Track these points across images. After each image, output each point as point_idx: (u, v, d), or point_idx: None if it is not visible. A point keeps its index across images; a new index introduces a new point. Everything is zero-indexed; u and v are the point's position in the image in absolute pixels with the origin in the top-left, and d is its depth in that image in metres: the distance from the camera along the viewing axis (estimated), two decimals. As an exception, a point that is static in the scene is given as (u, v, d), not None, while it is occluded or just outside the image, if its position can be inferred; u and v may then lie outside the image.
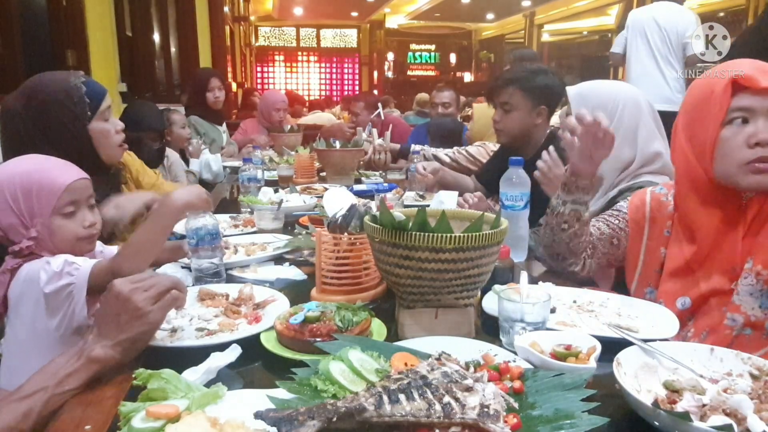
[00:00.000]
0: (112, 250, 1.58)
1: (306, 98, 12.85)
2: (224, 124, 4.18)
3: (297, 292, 1.36)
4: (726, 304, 1.26)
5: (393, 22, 17.54)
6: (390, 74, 18.06)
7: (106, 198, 1.82)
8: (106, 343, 0.96)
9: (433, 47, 19.32)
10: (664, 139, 1.72)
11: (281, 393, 0.83)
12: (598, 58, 15.07)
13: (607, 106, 1.70)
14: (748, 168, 1.20)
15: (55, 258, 1.29)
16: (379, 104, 4.41)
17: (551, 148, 1.75)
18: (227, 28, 8.28)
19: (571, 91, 1.83)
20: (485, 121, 3.34)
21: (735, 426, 0.75)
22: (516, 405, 0.82)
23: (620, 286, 1.51)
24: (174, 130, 3.54)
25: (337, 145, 3.08)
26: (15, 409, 0.88)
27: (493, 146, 2.81)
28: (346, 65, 17.72)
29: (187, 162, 3.52)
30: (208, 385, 0.88)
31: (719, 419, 0.77)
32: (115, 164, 1.86)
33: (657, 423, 0.79)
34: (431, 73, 19.06)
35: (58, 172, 1.38)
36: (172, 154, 3.24)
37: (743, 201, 1.25)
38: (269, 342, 1.06)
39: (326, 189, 2.52)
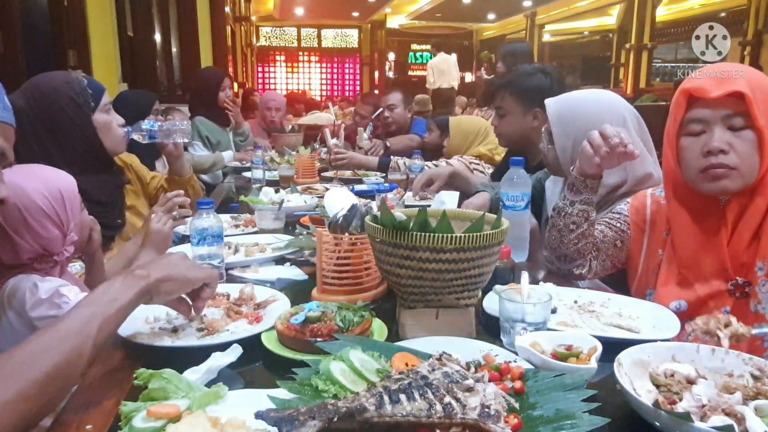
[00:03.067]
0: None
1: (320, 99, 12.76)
2: (231, 125, 4.11)
3: (298, 292, 1.37)
4: (724, 306, 1.26)
5: (394, 22, 17.53)
6: (391, 74, 18.05)
7: (111, 197, 1.82)
8: (153, 266, 1.02)
9: (434, 47, 19.31)
10: (653, 152, 1.62)
11: (282, 393, 0.84)
12: (599, 59, 15.07)
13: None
14: (704, 176, 1.24)
15: (47, 283, 1.24)
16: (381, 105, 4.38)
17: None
18: (228, 28, 8.28)
19: (550, 110, 1.69)
20: (461, 136, 3.14)
21: (735, 426, 0.75)
22: (517, 405, 0.82)
23: (624, 288, 1.51)
24: None
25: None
26: (79, 314, 0.89)
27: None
28: (347, 65, 17.72)
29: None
30: (209, 384, 0.89)
31: (720, 419, 0.77)
32: (119, 157, 1.88)
33: (657, 423, 0.79)
34: (432, 73, 19.05)
35: (62, 173, 1.38)
36: None
37: (721, 204, 1.27)
38: (270, 342, 1.06)
39: (327, 189, 2.52)
